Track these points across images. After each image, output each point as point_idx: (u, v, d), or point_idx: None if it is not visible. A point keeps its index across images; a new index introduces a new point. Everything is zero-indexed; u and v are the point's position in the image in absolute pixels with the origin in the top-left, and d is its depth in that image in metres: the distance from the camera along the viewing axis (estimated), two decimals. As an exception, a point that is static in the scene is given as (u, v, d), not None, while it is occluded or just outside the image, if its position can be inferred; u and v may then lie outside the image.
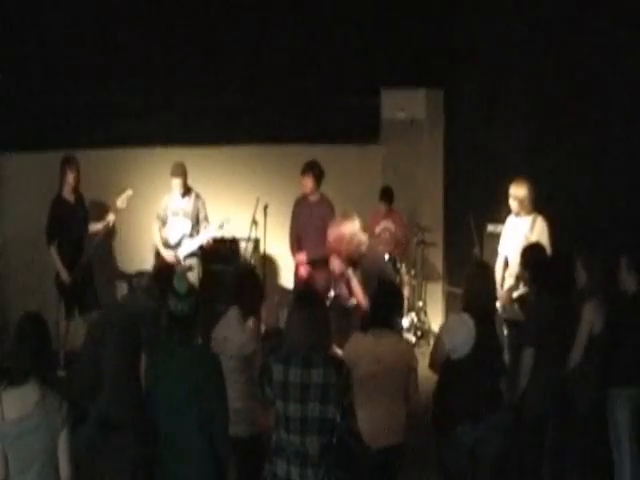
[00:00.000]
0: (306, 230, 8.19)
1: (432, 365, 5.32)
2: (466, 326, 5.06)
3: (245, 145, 9.62)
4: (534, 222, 7.44)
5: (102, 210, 8.45)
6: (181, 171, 8.40)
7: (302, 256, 8.18)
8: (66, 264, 8.06)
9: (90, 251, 8.22)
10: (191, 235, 8.49)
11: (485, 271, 5.41)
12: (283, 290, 9.22)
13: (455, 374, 5.12)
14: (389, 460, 5.11)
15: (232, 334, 5.20)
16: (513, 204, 7.51)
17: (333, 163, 8.86)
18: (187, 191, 8.49)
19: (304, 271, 8.14)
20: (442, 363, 5.17)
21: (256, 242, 8.97)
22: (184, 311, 4.43)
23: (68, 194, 8.17)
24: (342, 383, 4.27)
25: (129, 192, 8.20)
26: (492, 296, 5.28)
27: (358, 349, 5.03)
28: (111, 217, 8.24)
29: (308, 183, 8.16)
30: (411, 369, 5.15)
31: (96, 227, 8.27)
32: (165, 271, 5.95)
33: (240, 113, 9.55)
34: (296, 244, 8.33)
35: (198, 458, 4.37)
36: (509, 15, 8.97)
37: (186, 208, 8.48)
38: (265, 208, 8.82)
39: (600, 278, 5.67)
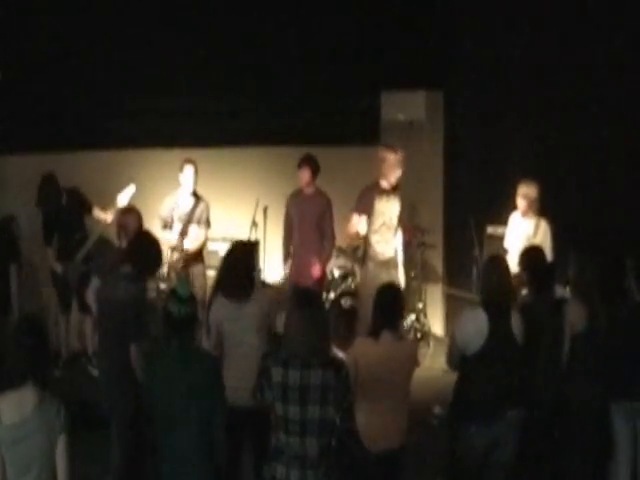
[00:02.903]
0: (301, 225, 8.12)
1: (449, 362, 5.33)
2: (477, 321, 5.04)
3: (245, 147, 9.62)
4: (538, 225, 7.48)
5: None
6: (192, 160, 8.21)
7: (287, 268, 8.18)
8: (63, 256, 8.04)
9: (88, 246, 8.09)
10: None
11: (500, 265, 5.35)
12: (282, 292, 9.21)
13: (470, 371, 5.10)
14: (390, 463, 5.10)
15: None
16: (522, 203, 7.54)
17: (333, 165, 8.85)
18: (197, 197, 8.30)
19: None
20: (460, 360, 5.17)
21: (256, 244, 8.93)
22: (186, 315, 4.43)
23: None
24: (341, 385, 4.27)
25: (132, 188, 7.80)
26: (508, 289, 5.22)
27: (363, 353, 5.02)
28: (109, 216, 7.84)
29: (305, 175, 8.04)
30: (412, 370, 5.18)
31: (100, 215, 8.01)
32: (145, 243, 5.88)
33: (240, 115, 9.56)
34: (288, 241, 8.32)
35: (196, 460, 4.37)
36: (509, 15, 8.97)
37: (194, 214, 8.22)
38: (265, 210, 8.81)
39: (588, 277, 5.64)
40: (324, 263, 8.20)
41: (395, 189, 8.07)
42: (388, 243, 8.09)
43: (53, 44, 8.62)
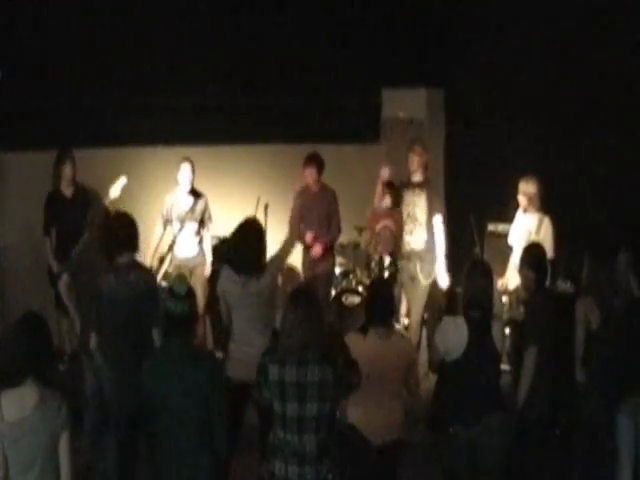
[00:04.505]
0: (309, 222, 8.27)
1: (431, 366, 5.35)
2: (458, 329, 5.03)
3: (246, 144, 9.62)
4: (541, 222, 7.51)
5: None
6: (189, 158, 8.29)
7: (310, 235, 8.25)
8: (59, 256, 8.04)
9: (83, 245, 8.04)
10: (197, 238, 8.36)
11: (482, 270, 5.33)
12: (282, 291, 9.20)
13: (449, 376, 5.15)
14: (388, 456, 5.11)
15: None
16: (522, 200, 7.59)
17: (334, 162, 8.85)
18: (196, 194, 8.35)
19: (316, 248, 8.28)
20: (439, 365, 5.18)
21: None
22: (183, 312, 4.43)
23: (64, 188, 8.15)
24: (338, 376, 4.30)
25: (123, 180, 7.50)
26: (490, 296, 5.22)
27: (354, 349, 5.02)
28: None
29: (312, 173, 8.22)
30: (411, 364, 5.18)
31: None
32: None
33: (241, 113, 9.55)
34: (293, 239, 8.44)
35: (196, 458, 4.38)
36: (510, 14, 8.97)
37: (194, 211, 8.31)
38: (266, 208, 8.81)
39: (600, 277, 5.64)
40: (330, 239, 8.36)
41: (421, 185, 8.21)
42: (412, 235, 8.21)
43: (53, 43, 8.62)
